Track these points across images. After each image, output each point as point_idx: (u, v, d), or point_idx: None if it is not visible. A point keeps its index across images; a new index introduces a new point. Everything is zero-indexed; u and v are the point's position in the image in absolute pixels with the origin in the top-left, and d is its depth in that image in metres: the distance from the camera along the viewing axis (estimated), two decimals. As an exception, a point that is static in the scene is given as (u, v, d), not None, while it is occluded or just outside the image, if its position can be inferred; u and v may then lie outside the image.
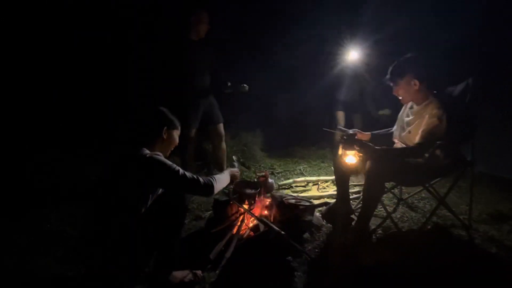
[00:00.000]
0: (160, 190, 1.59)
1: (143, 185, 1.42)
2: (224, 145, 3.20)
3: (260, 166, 3.88)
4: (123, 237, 1.40)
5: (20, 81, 3.71)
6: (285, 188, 3.11)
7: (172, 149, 1.69)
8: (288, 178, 3.36)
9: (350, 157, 1.92)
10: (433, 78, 2.00)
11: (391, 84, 2.06)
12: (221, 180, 1.62)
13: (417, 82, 1.95)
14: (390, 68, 2.04)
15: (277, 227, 1.80)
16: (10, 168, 3.07)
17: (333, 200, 2.65)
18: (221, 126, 3.12)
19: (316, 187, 3.11)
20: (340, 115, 3.83)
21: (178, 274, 1.58)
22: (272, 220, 1.99)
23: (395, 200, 2.64)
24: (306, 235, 2.02)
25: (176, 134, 1.66)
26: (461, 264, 1.76)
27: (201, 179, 1.47)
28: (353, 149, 1.86)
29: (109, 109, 3.79)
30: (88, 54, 3.83)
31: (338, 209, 2.31)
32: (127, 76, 3.83)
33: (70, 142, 3.63)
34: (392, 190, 2.57)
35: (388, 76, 2.05)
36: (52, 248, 1.94)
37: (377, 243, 2.02)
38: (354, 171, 2.03)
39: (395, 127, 2.28)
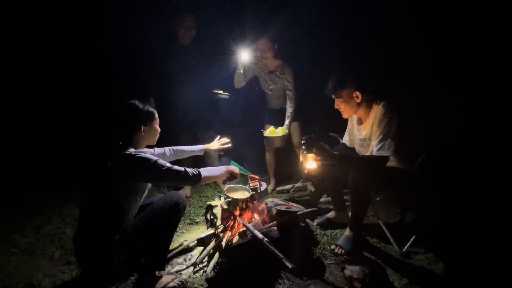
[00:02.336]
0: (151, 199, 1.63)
1: (127, 183, 1.45)
2: (214, 154, 3.05)
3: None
4: (110, 240, 1.44)
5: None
6: (284, 193, 3.09)
7: (158, 135, 1.67)
8: (289, 183, 3.34)
9: (310, 162, 1.84)
10: (374, 89, 1.88)
11: (333, 97, 1.94)
12: (210, 170, 1.64)
13: (358, 94, 1.85)
14: (331, 80, 1.93)
15: (267, 233, 1.80)
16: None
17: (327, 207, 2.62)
18: (209, 134, 2.93)
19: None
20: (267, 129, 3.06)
21: (163, 279, 1.60)
22: (263, 226, 1.98)
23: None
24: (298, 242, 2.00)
25: (155, 124, 1.63)
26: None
27: (188, 169, 1.51)
28: (311, 152, 1.79)
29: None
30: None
31: (335, 219, 2.29)
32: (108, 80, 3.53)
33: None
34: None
35: (329, 87, 1.93)
36: (50, 250, 2.02)
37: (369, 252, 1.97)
38: (315, 177, 1.95)
39: (346, 141, 2.22)
